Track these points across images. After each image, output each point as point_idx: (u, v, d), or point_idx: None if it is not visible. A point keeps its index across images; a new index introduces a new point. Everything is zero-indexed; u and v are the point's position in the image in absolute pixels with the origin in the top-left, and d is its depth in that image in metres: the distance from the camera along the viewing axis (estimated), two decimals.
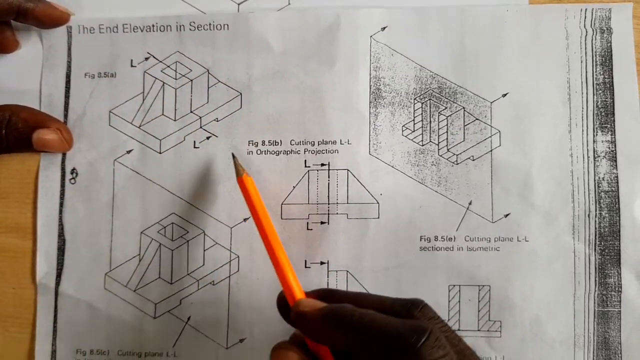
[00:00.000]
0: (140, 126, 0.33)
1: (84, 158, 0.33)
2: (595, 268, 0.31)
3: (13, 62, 0.33)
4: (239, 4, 0.33)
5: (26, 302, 0.33)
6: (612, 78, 0.32)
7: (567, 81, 0.32)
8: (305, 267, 0.32)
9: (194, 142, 0.32)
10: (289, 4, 0.33)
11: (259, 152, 0.32)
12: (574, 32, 0.32)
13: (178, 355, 0.32)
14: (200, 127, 0.32)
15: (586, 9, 0.32)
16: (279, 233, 0.32)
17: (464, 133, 0.32)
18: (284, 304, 0.26)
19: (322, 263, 0.32)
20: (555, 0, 0.32)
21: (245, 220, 0.32)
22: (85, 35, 0.33)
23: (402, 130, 0.32)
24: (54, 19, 0.32)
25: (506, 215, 0.31)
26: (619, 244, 0.31)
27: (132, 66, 0.33)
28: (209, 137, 0.32)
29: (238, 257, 0.32)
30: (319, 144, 0.32)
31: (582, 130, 0.32)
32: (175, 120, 0.33)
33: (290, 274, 0.27)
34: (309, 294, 0.26)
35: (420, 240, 0.31)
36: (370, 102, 0.32)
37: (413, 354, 0.19)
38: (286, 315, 0.26)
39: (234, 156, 0.31)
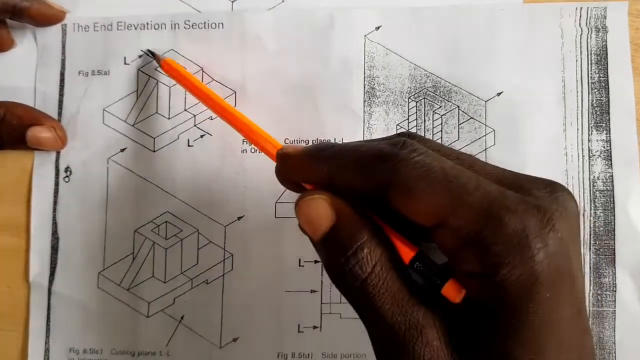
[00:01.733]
0: (134, 124, 0.33)
1: (78, 156, 0.33)
2: (590, 267, 0.31)
3: (8, 61, 0.33)
4: (232, 2, 0.33)
5: (19, 301, 0.32)
6: (608, 77, 0.31)
7: (562, 80, 0.32)
8: (299, 265, 0.32)
9: (188, 140, 0.32)
10: (283, 1, 0.33)
11: (252, 150, 0.32)
12: (569, 30, 0.32)
13: (171, 354, 0.32)
14: (195, 126, 0.32)
15: (581, 8, 0.32)
16: (273, 231, 0.32)
17: (458, 132, 0.32)
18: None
19: (316, 262, 0.32)
20: None
21: (239, 218, 0.32)
22: (79, 33, 0.33)
23: (397, 129, 0.32)
24: (50, 18, 0.32)
25: None
26: (614, 243, 0.31)
27: (125, 64, 0.33)
28: (203, 135, 0.32)
29: (232, 255, 0.32)
30: (313, 143, 0.32)
31: (577, 129, 0.31)
32: (169, 119, 0.33)
33: (263, 131, 0.27)
34: None
35: None
36: (364, 101, 0.32)
37: (391, 160, 0.19)
38: (280, 176, 0.25)
39: (150, 52, 0.32)
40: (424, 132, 0.32)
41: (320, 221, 0.21)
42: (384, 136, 0.24)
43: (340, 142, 0.22)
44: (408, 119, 0.32)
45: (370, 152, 0.20)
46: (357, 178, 0.20)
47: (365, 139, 0.32)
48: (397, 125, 0.32)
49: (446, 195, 0.18)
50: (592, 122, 0.31)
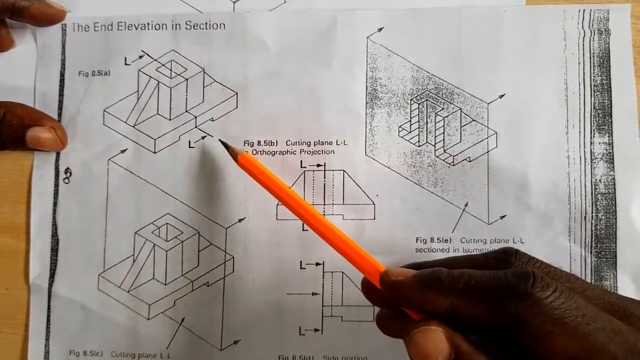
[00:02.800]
0: (134, 125, 0.32)
1: (78, 157, 0.32)
2: (592, 270, 0.31)
3: (8, 61, 0.33)
4: (234, 2, 0.33)
5: (19, 303, 0.32)
6: (610, 79, 0.31)
7: (565, 82, 0.32)
8: (301, 267, 0.31)
9: (189, 141, 0.32)
10: (285, 2, 0.33)
11: (254, 152, 0.32)
12: (571, 33, 0.32)
13: (172, 357, 0.31)
14: (196, 127, 0.32)
15: (584, 10, 0.32)
16: (274, 234, 0.32)
17: (460, 134, 0.32)
18: (370, 285, 0.24)
19: (317, 264, 0.31)
20: (553, 0, 0.32)
21: (240, 220, 0.32)
22: (79, 33, 0.33)
23: (399, 131, 0.32)
24: (50, 17, 0.32)
25: (502, 217, 0.31)
26: (615, 246, 0.31)
27: (126, 64, 0.33)
28: (204, 136, 0.32)
29: (233, 258, 0.32)
30: (314, 145, 0.32)
31: (579, 132, 0.31)
32: (170, 120, 0.32)
33: (361, 248, 0.25)
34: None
35: (416, 241, 0.31)
36: (366, 103, 0.32)
37: (525, 300, 0.19)
38: (373, 296, 0.25)
39: (224, 143, 0.31)
40: (426, 134, 0.32)
41: (437, 355, 0.20)
42: (491, 250, 0.24)
43: (450, 269, 0.22)
44: (410, 120, 0.32)
45: (500, 287, 0.20)
46: (485, 314, 0.20)
47: (367, 140, 0.32)
48: (400, 127, 0.32)
49: (586, 341, 0.19)
50: (595, 125, 0.31)
